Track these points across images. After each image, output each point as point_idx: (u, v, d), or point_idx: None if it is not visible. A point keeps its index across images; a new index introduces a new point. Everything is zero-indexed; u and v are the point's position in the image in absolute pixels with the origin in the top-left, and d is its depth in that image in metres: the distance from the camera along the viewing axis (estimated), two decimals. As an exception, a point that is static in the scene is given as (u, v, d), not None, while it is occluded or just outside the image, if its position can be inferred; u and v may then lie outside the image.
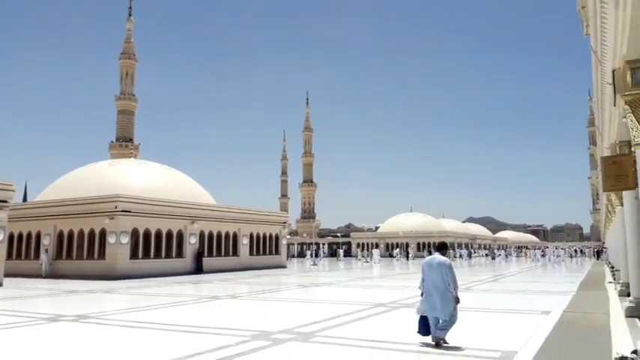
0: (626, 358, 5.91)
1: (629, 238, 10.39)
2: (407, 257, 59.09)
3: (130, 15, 69.24)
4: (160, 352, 7.10)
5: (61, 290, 18.58)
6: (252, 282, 22.97)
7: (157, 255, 28.25)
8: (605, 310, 11.27)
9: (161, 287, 19.84)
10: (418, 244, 71.65)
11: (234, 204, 36.05)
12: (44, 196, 32.27)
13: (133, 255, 26.83)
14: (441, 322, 7.17)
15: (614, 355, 6.17)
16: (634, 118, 5.87)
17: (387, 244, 74.78)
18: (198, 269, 29.53)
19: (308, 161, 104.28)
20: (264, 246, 37.07)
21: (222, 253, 32.91)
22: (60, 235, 28.29)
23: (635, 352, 6.03)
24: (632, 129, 5.97)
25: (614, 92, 6.25)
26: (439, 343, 7.15)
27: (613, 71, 6.22)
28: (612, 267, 27.69)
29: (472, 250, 72.04)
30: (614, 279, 20.07)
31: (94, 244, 26.96)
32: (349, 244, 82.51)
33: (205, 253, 31.12)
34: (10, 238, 27.35)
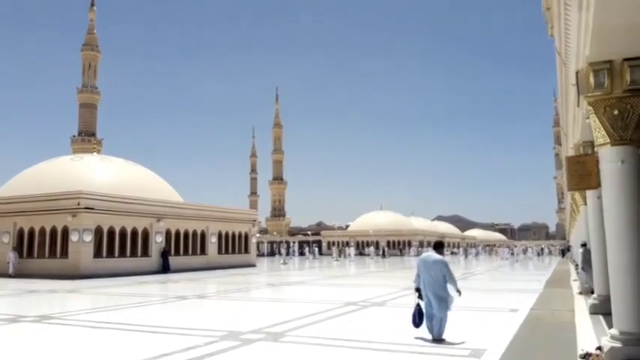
0: (591, 354, 6.12)
1: (592, 236, 10.76)
2: (383, 255, 59.64)
3: (92, 5, 67.68)
4: (126, 354, 7.02)
5: (22, 290, 18.09)
6: (221, 281, 22.83)
7: (122, 254, 27.78)
8: (570, 308, 11.65)
9: (126, 287, 19.53)
10: (388, 242, 72.18)
11: (202, 202, 35.75)
12: (3, 191, 31.30)
13: (97, 253, 26.31)
14: (435, 319, 7.48)
15: (579, 352, 6.39)
16: (596, 119, 6.08)
17: (358, 243, 75.14)
18: (164, 268, 29.15)
19: (278, 158, 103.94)
20: (234, 244, 36.84)
21: (190, 252, 32.56)
22: (20, 232, 27.52)
23: (599, 348, 6.24)
24: (595, 130, 6.18)
25: (578, 93, 6.45)
26: (441, 340, 7.44)
27: (577, 73, 6.43)
28: (577, 265, 28.54)
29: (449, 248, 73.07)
30: (579, 277, 20.67)
31: (56, 243, 26.33)
32: (320, 242, 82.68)
33: (172, 252, 30.74)
34: (-34, 236, 26.46)
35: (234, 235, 36.86)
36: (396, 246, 70.90)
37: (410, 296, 15.14)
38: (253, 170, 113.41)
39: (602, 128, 6.06)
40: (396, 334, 8.27)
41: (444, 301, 7.45)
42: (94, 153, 40.03)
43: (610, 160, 5.98)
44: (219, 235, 35.15)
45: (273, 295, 17.27)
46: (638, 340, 5.52)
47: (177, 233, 31.69)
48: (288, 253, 61.94)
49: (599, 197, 9.78)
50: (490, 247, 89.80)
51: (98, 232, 26.56)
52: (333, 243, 75.54)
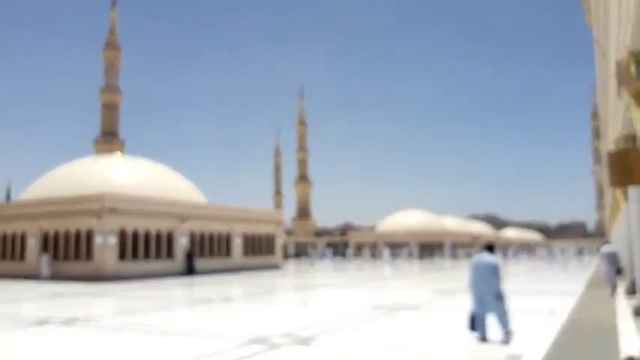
0: (634, 358, 5.98)
1: (635, 235, 10.49)
2: (420, 257, 58.87)
3: (114, 4, 68.92)
4: (151, 358, 7.14)
5: (47, 292, 18.57)
6: (247, 283, 23.02)
7: (147, 256, 28.26)
8: (612, 310, 11.38)
9: (151, 289, 19.85)
10: (418, 243, 71.68)
11: (226, 202, 36.14)
12: (29, 194, 32.20)
13: (122, 256, 26.83)
14: (497, 317, 7.67)
15: (622, 356, 6.24)
16: (639, 112, 5.93)
17: (387, 244, 74.81)
18: (189, 270, 29.56)
19: (302, 157, 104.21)
20: (259, 246, 37.13)
21: (215, 254, 32.94)
22: (46, 235, 28.25)
23: (643, 352, 6.09)
24: (637, 122, 6.03)
25: (619, 85, 6.31)
26: (508, 338, 7.62)
27: (617, 63, 6.28)
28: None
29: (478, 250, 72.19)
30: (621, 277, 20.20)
31: (81, 245, 26.94)
32: (347, 243, 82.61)
33: (197, 254, 31.15)
34: (-7, 239, 27.26)
35: (259, 237, 37.14)
36: (426, 247, 70.11)
37: (442, 300, 15.05)
38: (277, 170, 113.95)
39: (645, 121, 5.91)
40: (428, 339, 8.23)
41: (502, 297, 7.66)
42: (118, 153, 40.78)
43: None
44: (245, 237, 35.46)
45: (301, 298, 17.34)
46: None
47: (202, 235, 32.08)
48: (314, 255, 62.30)
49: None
50: (526, 247, 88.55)
51: (123, 234, 27.06)
52: (361, 244, 75.48)
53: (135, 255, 27.71)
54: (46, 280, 25.07)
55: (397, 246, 70.15)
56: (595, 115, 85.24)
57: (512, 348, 7.26)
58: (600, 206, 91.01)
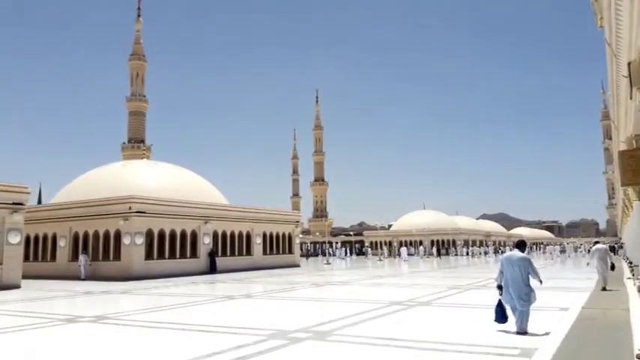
0: (648, 354, 5.86)
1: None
2: (438, 254, 58.80)
3: (139, 16, 69.80)
4: (178, 352, 7.18)
5: (78, 291, 18.82)
6: (267, 281, 23.09)
7: (172, 255, 28.51)
8: (625, 307, 11.18)
9: (176, 287, 20.02)
10: (432, 241, 71.31)
11: (246, 203, 36.34)
12: (59, 198, 32.69)
13: (148, 256, 27.09)
14: (519, 313, 7.88)
15: (636, 352, 6.13)
16: (651, 112, 5.81)
17: (400, 242, 74.43)
18: (212, 269, 29.74)
19: (319, 160, 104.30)
20: (278, 245, 37.23)
21: (236, 253, 33.11)
22: (75, 236, 28.65)
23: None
24: (650, 122, 5.91)
25: (631, 85, 6.19)
26: (524, 333, 7.81)
27: (629, 64, 6.17)
28: (631, 263, 27.38)
29: (494, 246, 71.61)
30: (633, 275, 19.86)
31: (110, 246, 27.26)
32: (362, 242, 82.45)
33: (219, 253, 31.33)
34: (27, 240, 27.67)
35: (278, 236, 37.25)
36: (441, 245, 69.81)
37: (456, 295, 14.93)
38: (295, 172, 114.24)
39: (657, 120, 5.79)
40: (443, 333, 8.16)
41: (528, 296, 7.86)
42: (144, 159, 41.25)
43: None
44: (264, 236, 35.60)
45: (319, 294, 17.33)
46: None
47: (224, 234, 32.27)
48: (330, 254, 62.35)
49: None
50: (538, 245, 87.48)
51: (149, 234, 27.33)
52: (376, 243, 75.36)
53: (161, 255, 27.98)
54: (83, 281, 25.20)
55: (411, 244, 69.87)
56: (606, 115, 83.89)
57: (526, 342, 7.16)
58: (612, 205, 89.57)
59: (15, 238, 21.28)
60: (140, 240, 26.41)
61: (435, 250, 60.97)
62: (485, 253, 63.70)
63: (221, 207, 32.85)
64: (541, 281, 8.18)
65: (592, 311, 10.63)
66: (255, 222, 34.68)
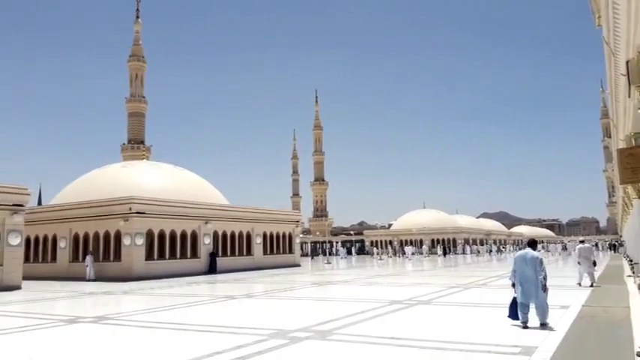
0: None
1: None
2: (444, 253, 59.18)
3: (137, 17, 69.69)
4: (179, 352, 7.20)
5: (78, 292, 18.83)
6: (267, 281, 23.11)
7: (172, 256, 28.52)
8: (625, 304, 11.19)
9: (177, 287, 20.04)
10: (432, 240, 71.41)
11: (246, 204, 36.37)
12: (59, 199, 32.69)
13: (149, 256, 27.11)
14: (537, 308, 8.33)
15: (637, 349, 6.14)
16: (650, 110, 5.82)
17: (401, 241, 74.60)
18: (212, 269, 29.76)
19: (319, 159, 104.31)
20: (278, 245, 37.27)
21: (236, 253, 33.13)
22: (76, 237, 28.66)
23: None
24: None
25: (629, 83, 6.20)
26: (545, 325, 8.28)
27: (627, 62, 6.18)
28: (631, 260, 27.40)
29: (495, 245, 71.82)
30: (634, 272, 19.87)
31: (110, 246, 27.28)
32: (362, 242, 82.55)
33: (219, 253, 31.35)
34: (27, 241, 27.68)
35: (278, 236, 37.28)
36: (439, 244, 69.99)
37: (456, 294, 14.95)
38: (295, 172, 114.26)
39: (655, 118, 5.81)
40: (443, 332, 8.18)
41: (546, 289, 8.29)
42: (144, 159, 41.26)
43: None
44: (264, 236, 35.63)
45: (319, 294, 17.35)
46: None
47: (224, 235, 32.29)
48: (331, 253, 62.45)
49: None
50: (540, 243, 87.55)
51: (149, 235, 27.35)
52: (376, 242, 75.56)
53: (161, 255, 27.99)
54: (91, 282, 24.96)
55: (411, 243, 70.04)
56: (605, 114, 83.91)
57: (527, 340, 7.19)
58: (612, 203, 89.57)
59: (15, 240, 21.29)
60: (140, 241, 26.42)
61: (439, 248, 61.27)
62: (490, 251, 64.35)
63: (221, 207, 32.87)
64: (545, 286, 8.33)
65: (592, 309, 10.64)
66: (255, 222, 34.70)
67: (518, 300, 8.43)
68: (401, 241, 74.31)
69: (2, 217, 20.99)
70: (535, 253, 8.50)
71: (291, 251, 38.54)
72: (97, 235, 27.81)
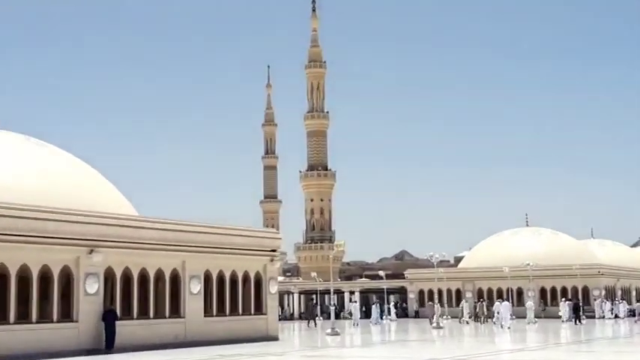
0: None
1: None
2: (577, 317, 60.57)
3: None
4: None
5: None
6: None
7: (23, 317, 28.50)
8: None
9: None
10: (543, 289, 72.16)
11: (172, 216, 36.41)
12: None
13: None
14: None
15: None
16: None
17: (479, 291, 75.06)
18: (107, 343, 29.93)
19: (318, 126, 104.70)
20: (234, 297, 37.24)
21: (151, 313, 33.14)
22: None
23: None
24: None
25: None
26: None
27: None
28: None
29: None
30: None
31: None
32: (402, 290, 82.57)
33: (119, 312, 31.50)
34: None
35: (235, 280, 37.32)
36: (564, 298, 70.64)
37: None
38: (269, 153, 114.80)
39: None
40: None
41: None
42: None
43: None
44: (207, 280, 35.72)
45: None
46: None
47: (128, 276, 32.23)
48: (340, 312, 62.48)
49: None
50: None
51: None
52: (429, 292, 75.70)
53: (2, 315, 27.91)
54: None
55: (500, 295, 70.26)
56: None
57: None
58: None
59: None
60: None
61: (566, 307, 61.98)
62: None
63: (123, 220, 32.79)
64: None
65: None
66: (189, 251, 34.69)
67: None
68: (479, 290, 74.53)
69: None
70: None
71: (259, 310, 38.60)
72: None
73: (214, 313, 35.97)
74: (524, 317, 61.57)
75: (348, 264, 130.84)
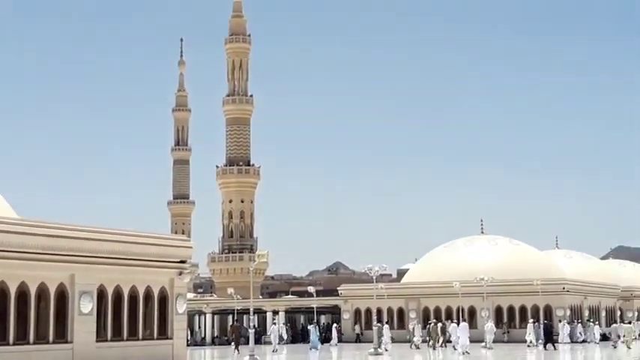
0: None
1: None
2: (548, 340, 62.34)
3: None
4: None
5: None
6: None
7: None
8: None
9: None
10: (498, 308, 72.84)
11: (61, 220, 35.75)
12: None
13: None
14: None
15: None
16: None
17: (425, 310, 75.54)
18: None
19: (242, 111, 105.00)
20: (133, 318, 36.87)
21: (32, 337, 32.68)
22: None
23: None
24: None
25: None
26: None
27: None
28: None
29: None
30: None
31: None
32: (337, 310, 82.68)
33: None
34: None
35: (133, 297, 36.93)
36: (514, 317, 71.42)
37: None
38: (181, 144, 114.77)
39: None
40: None
41: None
42: None
43: None
44: (100, 296, 35.26)
45: None
46: None
47: (3, 291, 31.70)
48: (261, 336, 62.45)
49: None
50: None
51: None
52: (367, 312, 75.97)
53: None
54: None
55: (449, 316, 70.97)
56: None
57: None
58: None
59: None
60: None
61: (532, 328, 64.32)
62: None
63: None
64: None
65: None
66: (78, 262, 34.16)
67: None
68: (426, 309, 74.96)
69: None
70: None
71: (164, 333, 38.17)
72: None
73: (109, 337, 35.49)
74: (478, 341, 62.34)
75: (272, 278, 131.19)
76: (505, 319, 75.67)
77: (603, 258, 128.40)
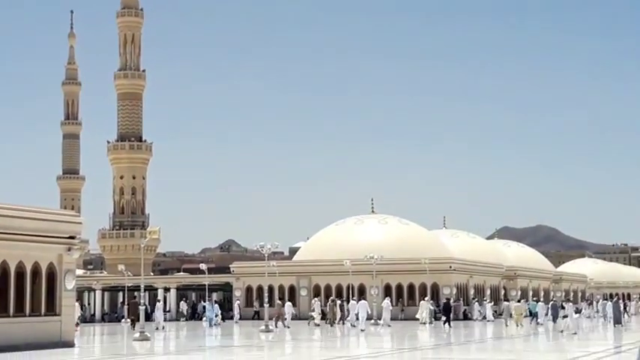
0: None
1: None
2: (447, 318, 62.38)
3: None
4: None
5: None
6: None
7: None
8: None
9: None
10: (387, 285, 73.28)
11: None
12: None
13: None
14: None
15: None
16: None
17: (316, 287, 75.65)
18: None
19: (133, 87, 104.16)
20: (20, 295, 36.07)
21: None
22: None
23: None
24: None
25: None
26: None
27: None
28: None
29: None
30: None
31: None
32: (227, 287, 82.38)
33: None
34: None
35: (20, 273, 36.06)
36: (408, 294, 72.05)
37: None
38: (71, 118, 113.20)
39: None
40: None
41: None
42: None
43: None
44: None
45: None
46: None
47: None
48: (150, 312, 62.14)
49: None
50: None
51: None
52: (259, 289, 76.32)
53: None
54: None
55: (340, 294, 71.17)
56: None
57: None
58: None
59: None
60: None
61: (426, 305, 65.97)
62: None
63: None
64: None
65: None
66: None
67: None
68: (316, 287, 75.08)
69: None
70: None
71: (52, 310, 37.35)
72: None
73: (-5, 312, 34.45)
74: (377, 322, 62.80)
75: (163, 255, 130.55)
76: (393, 297, 75.36)
77: (489, 238, 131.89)
